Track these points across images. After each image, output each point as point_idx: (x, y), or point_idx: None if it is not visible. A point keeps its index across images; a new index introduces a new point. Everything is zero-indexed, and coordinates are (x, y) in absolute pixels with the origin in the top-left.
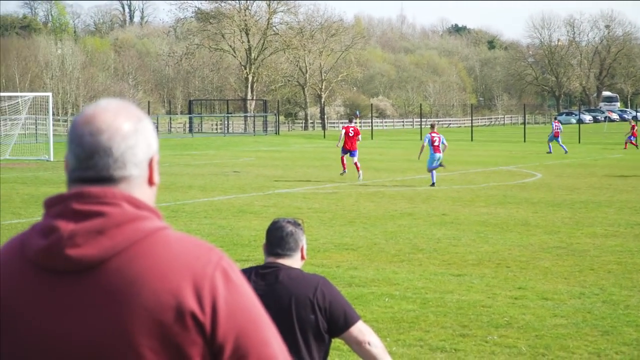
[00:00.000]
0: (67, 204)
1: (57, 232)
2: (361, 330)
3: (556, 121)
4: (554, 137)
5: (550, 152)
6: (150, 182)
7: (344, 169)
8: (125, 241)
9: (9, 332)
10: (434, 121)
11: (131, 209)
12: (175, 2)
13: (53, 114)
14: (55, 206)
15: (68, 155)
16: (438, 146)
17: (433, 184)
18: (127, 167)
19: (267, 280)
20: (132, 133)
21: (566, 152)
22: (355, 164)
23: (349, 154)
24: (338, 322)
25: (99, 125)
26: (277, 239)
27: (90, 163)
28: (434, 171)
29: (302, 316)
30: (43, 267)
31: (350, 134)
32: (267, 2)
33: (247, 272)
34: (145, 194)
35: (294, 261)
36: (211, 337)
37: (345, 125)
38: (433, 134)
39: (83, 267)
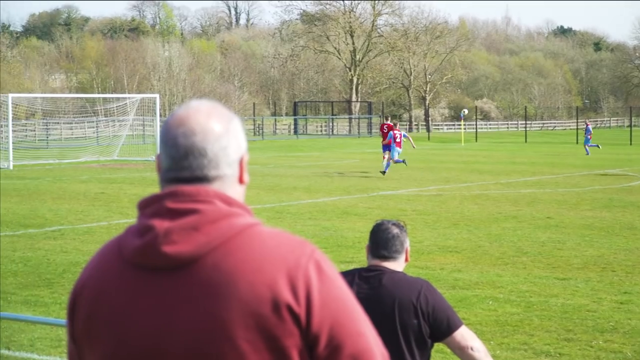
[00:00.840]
0: (162, 203)
1: (152, 230)
2: (464, 335)
3: None
4: None
5: None
6: (241, 180)
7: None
8: (219, 237)
9: (109, 330)
10: (396, 121)
11: (224, 206)
12: (281, 4)
13: (160, 115)
14: (150, 206)
15: (161, 156)
16: (400, 142)
17: (384, 172)
18: (220, 167)
19: (371, 284)
20: (224, 133)
21: None
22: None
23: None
24: (441, 327)
25: (193, 127)
26: (384, 241)
27: (185, 163)
28: (390, 162)
29: (405, 321)
30: (140, 265)
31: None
32: (373, 1)
33: (350, 275)
34: (237, 192)
35: (398, 264)
36: (306, 328)
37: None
38: (396, 131)
39: (179, 263)
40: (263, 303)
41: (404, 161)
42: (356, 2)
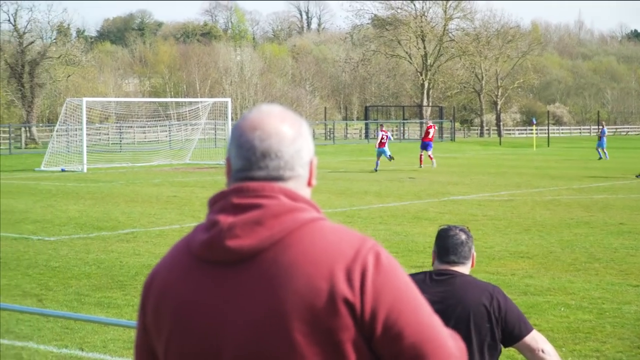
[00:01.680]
0: (228, 199)
1: (217, 225)
2: (535, 338)
3: None
4: None
5: None
6: (309, 183)
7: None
8: (282, 231)
9: (173, 321)
10: (382, 121)
11: (288, 201)
12: (352, 8)
13: (232, 119)
14: (217, 203)
15: (233, 159)
16: (385, 142)
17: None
18: (295, 168)
19: (443, 287)
20: (298, 136)
21: None
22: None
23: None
24: (513, 331)
25: (268, 130)
26: (453, 246)
27: (261, 164)
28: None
29: (479, 324)
30: (205, 260)
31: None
32: (446, 1)
33: (421, 277)
34: (306, 194)
35: (466, 269)
36: (361, 318)
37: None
38: (382, 132)
39: (241, 257)
40: (320, 296)
41: (391, 157)
42: (428, 6)
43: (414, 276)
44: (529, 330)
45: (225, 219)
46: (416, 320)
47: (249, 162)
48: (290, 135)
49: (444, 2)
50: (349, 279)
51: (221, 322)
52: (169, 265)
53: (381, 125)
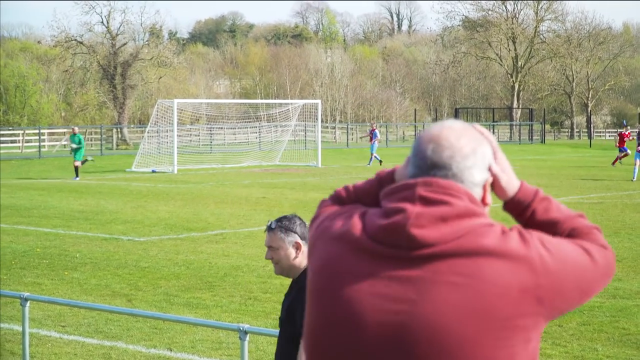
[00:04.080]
0: (414, 190)
1: (403, 212)
2: None
3: None
4: None
5: None
6: (484, 202)
7: None
8: (462, 230)
9: (341, 294)
10: (374, 121)
11: (470, 204)
12: (443, 10)
13: (322, 121)
14: (398, 193)
15: (409, 167)
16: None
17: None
18: (464, 184)
19: None
20: (471, 154)
21: None
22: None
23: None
24: None
25: (442, 143)
26: None
27: (430, 173)
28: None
29: None
30: (384, 242)
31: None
32: (537, 2)
33: None
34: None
35: None
36: (550, 307)
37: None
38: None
39: (422, 246)
40: (503, 295)
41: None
42: (519, 7)
43: None
44: None
45: (413, 208)
46: (584, 288)
47: (420, 171)
48: (465, 151)
49: (536, 3)
50: (533, 277)
51: (393, 300)
52: (339, 242)
53: (372, 123)
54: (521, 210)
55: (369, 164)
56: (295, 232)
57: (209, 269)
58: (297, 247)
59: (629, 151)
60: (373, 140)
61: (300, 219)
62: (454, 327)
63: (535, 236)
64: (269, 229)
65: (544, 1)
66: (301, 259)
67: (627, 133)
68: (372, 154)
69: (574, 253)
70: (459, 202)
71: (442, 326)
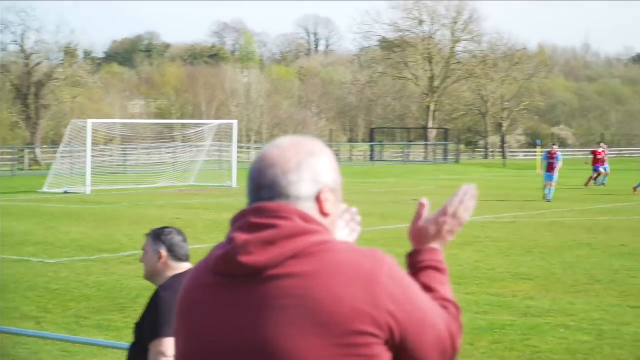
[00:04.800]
0: (246, 219)
1: (233, 242)
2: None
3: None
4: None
5: None
6: (322, 214)
7: None
8: (293, 251)
9: (187, 325)
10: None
11: (302, 223)
12: (360, 30)
13: (237, 141)
14: (238, 221)
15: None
16: None
17: None
18: (292, 201)
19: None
20: (295, 168)
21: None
22: None
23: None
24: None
25: (266, 162)
26: (185, 243)
27: (258, 195)
28: None
29: None
30: (220, 273)
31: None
32: (454, 24)
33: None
34: (322, 219)
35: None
36: (381, 331)
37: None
38: None
39: (252, 271)
40: (339, 315)
41: None
42: (435, 28)
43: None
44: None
45: (241, 237)
46: (423, 322)
47: (252, 194)
48: (288, 167)
49: (452, 24)
50: (369, 296)
51: (232, 329)
52: (193, 276)
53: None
54: (414, 263)
55: None
56: (162, 242)
57: (121, 291)
58: (160, 256)
59: (602, 170)
60: None
61: (178, 234)
62: (289, 350)
63: (389, 262)
64: (147, 234)
65: (461, 22)
66: (162, 268)
67: (600, 151)
68: None
69: (426, 297)
70: (287, 224)
71: (278, 350)
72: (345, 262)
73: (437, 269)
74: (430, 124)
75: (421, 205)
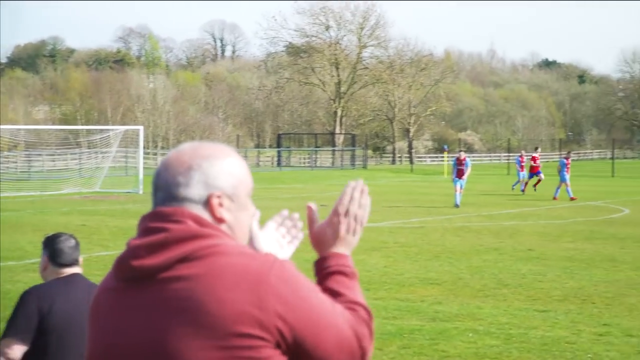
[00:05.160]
0: (145, 223)
1: (128, 246)
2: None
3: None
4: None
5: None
6: (215, 219)
7: None
8: (182, 254)
9: (91, 327)
10: None
11: (195, 227)
12: (267, 36)
13: (143, 147)
14: (139, 226)
15: None
16: None
17: None
18: (185, 204)
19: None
20: (186, 171)
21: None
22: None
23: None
24: None
25: (164, 165)
26: (71, 249)
27: (156, 197)
28: None
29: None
30: (119, 277)
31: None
32: (360, 29)
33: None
34: (218, 222)
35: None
36: (271, 335)
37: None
38: None
39: (144, 275)
40: (221, 318)
41: None
42: (342, 34)
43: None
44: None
45: (134, 241)
46: (322, 326)
47: (153, 198)
48: (180, 170)
49: (359, 30)
50: (255, 298)
51: (125, 330)
52: (101, 282)
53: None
54: (320, 270)
55: None
56: (46, 248)
57: None
58: (44, 262)
59: (542, 175)
60: None
61: (66, 240)
62: (176, 353)
63: (280, 264)
64: None
65: (367, 28)
66: (46, 274)
67: (537, 156)
68: None
69: (323, 298)
70: (178, 227)
71: (166, 352)
72: (233, 264)
73: (343, 274)
74: (337, 130)
75: (309, 209)
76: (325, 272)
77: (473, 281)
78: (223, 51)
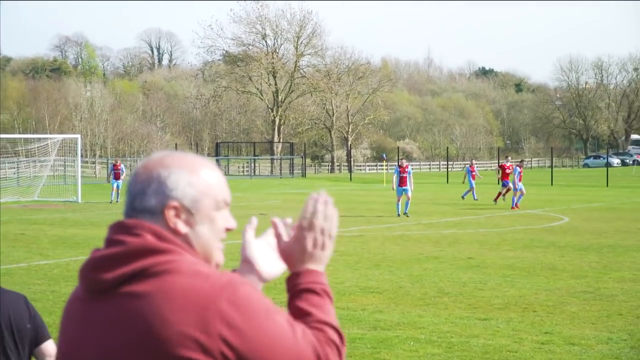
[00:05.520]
0: (109, 234)
1: (90, 257)
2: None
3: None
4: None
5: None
6: (172, 231)
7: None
8: (137, 269)
9: (60, 335)
10: None
11: (153, 241)
12: (203, 45)
13: (82, 156)
14: (106, 236)
15: None
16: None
17: None
18: (141, 215)
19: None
20: (146, 180)
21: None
22: None
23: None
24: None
25: (132, 175)
26: None
27: (125, 205)
28: None
29: (20, 327)
30: (82, 287)
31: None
32: (297, 38)
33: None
34: (179, 235)
35: None
36: (216, 357)
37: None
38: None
39: (100, 287)
40: (165, 340)
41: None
42: (279, 43)
43: None
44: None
45: (96, 253)
46: (274, 350)
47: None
48: (140, 178)
49: (295, 38)
50: (200, 321)
51: (81, 342)
52: (73, 291)
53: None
54: (290, 287)
55: (117, 201)
56: None
57: None
58: None
59: (510, 185)
60: (120, 177)
61: None
62: None
63: (233, 287)
64: None
65: (304, 37)
66: None
67: (508, 165)
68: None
69: (279, 321)
70: (135, 241)
71: None
72: (182, 285)
73: (313, 291)
74: (275, 138)
75: (273, 225)
76: (295, 290)
77: (414, 290)
78: (160, 60)
